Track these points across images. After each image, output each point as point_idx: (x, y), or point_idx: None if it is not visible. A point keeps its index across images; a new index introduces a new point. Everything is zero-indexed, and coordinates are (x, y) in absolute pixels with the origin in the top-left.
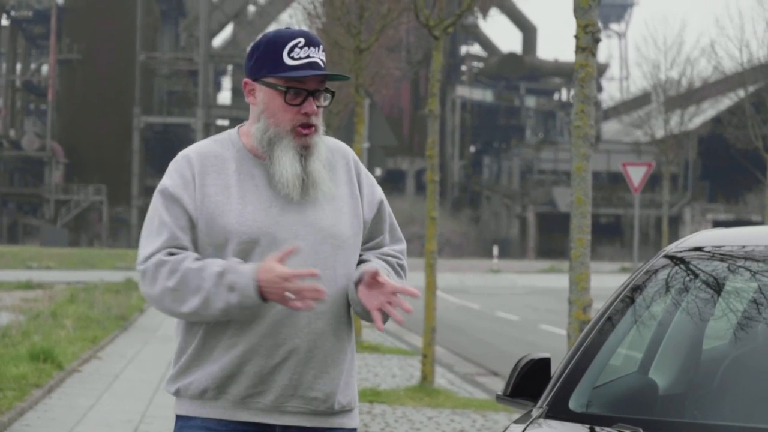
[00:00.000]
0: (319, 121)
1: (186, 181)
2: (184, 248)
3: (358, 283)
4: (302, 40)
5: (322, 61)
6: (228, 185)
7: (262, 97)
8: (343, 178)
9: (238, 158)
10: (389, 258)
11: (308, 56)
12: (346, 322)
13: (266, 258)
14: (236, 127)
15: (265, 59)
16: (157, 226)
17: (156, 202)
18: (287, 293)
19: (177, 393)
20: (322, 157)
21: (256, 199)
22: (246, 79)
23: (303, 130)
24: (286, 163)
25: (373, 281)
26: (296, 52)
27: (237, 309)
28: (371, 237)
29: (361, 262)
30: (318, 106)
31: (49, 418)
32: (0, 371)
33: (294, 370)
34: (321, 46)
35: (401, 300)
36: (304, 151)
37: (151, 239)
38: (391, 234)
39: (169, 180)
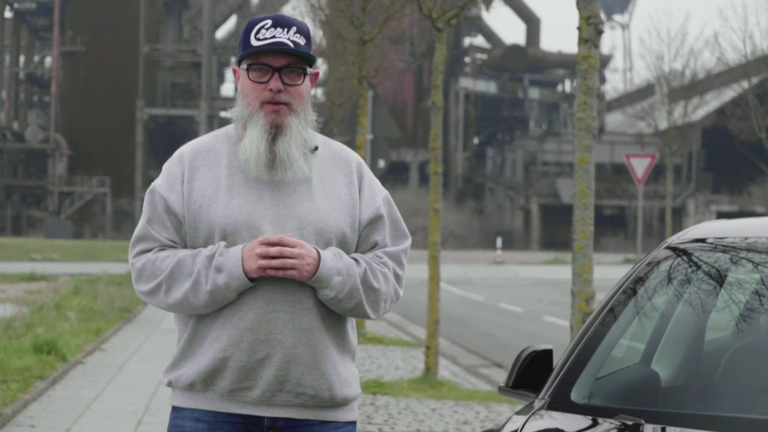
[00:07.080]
0: (295, 102)
1: (176, 179)
2: (171, 247)
3: None
4: (269, 22)
5: (291, 41)
6: (218, 178)
7: (240, 81)
8: (342, 179)
9: (231, 151)
10: (369, 258)
11: (273, 36)
12: (337, 316)
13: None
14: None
15: (240, 45)
16: (145, 224)
17: (146, 200)
18: (261, 262)
19: (170, 384)
20: (298, 140)
21: (245, 192)
22: (233, 67)
23: (271, 107)
24: (252, 139)
25: None
26: (262, 33)
27: (223, 290)
28: (368, 237)
29: None
30: (288, 84)
31: (52, 410)
32: (4, 363)
33: (279, 366)
34: (294, 28)
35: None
36: (275, 130)
37: (140, 236)
38: (393, 231)
39: (160, 179)
